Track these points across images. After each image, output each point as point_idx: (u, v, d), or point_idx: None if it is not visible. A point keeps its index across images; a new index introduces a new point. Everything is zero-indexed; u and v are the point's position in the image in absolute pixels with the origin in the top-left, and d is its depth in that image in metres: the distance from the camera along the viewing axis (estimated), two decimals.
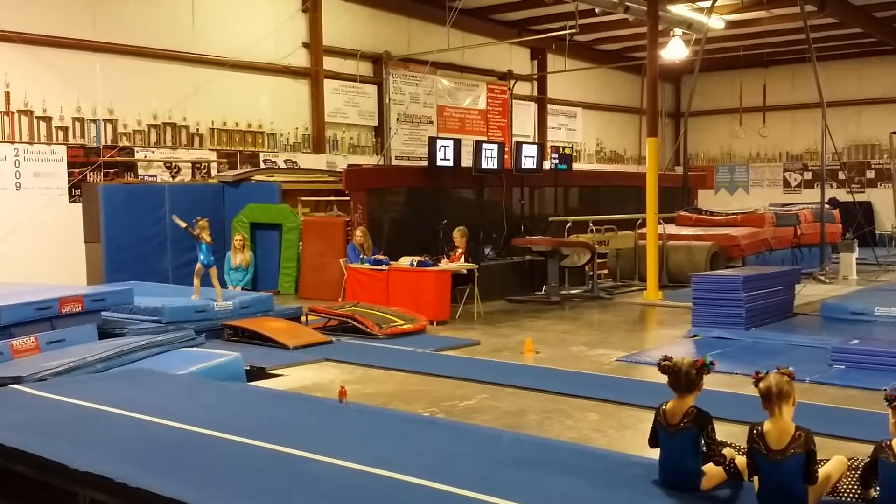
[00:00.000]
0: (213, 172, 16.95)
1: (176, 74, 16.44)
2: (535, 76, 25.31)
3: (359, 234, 13.76)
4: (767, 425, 4.18)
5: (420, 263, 12.62)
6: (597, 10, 19.18)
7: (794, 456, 4.08)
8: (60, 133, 14.93)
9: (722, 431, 4.57)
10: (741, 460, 4.45)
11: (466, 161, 16.42)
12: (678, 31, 20.77)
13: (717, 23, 20.64)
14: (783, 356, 9.11)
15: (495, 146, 16.91)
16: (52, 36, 14.67)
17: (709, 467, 4.43)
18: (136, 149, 15.94)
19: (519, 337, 10.82)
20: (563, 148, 19.82)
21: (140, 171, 15.97)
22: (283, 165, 18.18)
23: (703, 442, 4.42)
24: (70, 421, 5.92)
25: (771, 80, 27.27)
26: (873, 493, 4.17)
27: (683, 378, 4.47)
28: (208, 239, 10.87)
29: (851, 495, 4.32)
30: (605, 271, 16.99)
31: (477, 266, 13.11)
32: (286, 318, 11.21)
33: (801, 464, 4.08)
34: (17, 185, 14.32)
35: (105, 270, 14.04)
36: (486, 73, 23.29)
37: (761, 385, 4.23)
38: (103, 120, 15.44)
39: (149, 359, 8.23)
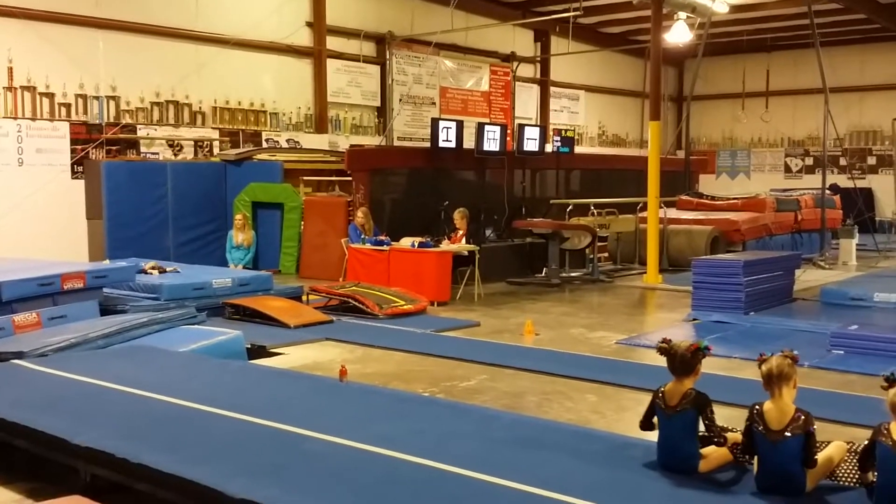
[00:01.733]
0: (216, 151, 16.94)
1: (179, 52, 16.40)
2: (539, 58, 25.23)
3: (360, 214, 13.77)
4: (768, 405, 4.23)
5: (421, 244, 12.65)
6: None
7: (793, 437, 4.12)
8: (63, 109, 14.91)
9: (720, 414, 4.60)
10: (733, 436, 4.49)
11: (468, 143, 16.40)
12: (682, 15, 20.57)
13: (721, 7, 20.46)
14: (782, 341, 9.13)
15: (497, 128, 16.88)
16: (55, 12, 14.61)
17: (708, 450, 4.47)
18: (138, 126, 15.92)
19: (519, 319, 10.86)
20: (566, 131, 19.80)
21: (142, 149, 15.96)
22: (285, 145, 18.16)
23: (702, 424, 4.45)
24: (71, 397, 5.95)
25: (774, 66, 27.20)
26: (871, 477, 4.20)
27: (679, 361, 4.51)
28: None
29: (850, 479, 4.35)
30: (606, 254, 17.02)
31: (478, 248, 13.12)
32: (287, 298, 11.23)
33: (799, 445, 4.12)
34: (20, 161, 14.31)
35: (107, 247, 14.04)
36: (489, 54, 23.23)
37: (763, 367, 4.28)
38: (106, 97, 15.41)
39: (150, 336, 8.26)
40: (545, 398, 7.11)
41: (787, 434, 4.12)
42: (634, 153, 26.28)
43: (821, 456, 4.26)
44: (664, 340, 4.62)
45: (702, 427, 4.48)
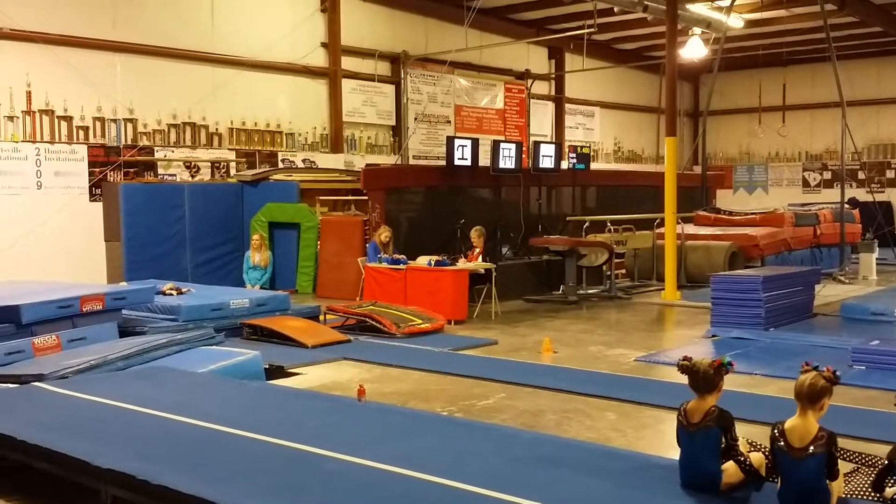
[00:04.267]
0: (232, 172, 17.04)
1: (195, 74, 16.53)
2: (553, 75, 25.28)
3: (386, 232, 13.69)
4: (790, 423, 4.17)
5: (438, 263, 12.64)
6: (615, 10, 19.15)
7: (814, 455, 4.06)
8: (81, 132, 15.04)
9: (741, 432, 4.55)
10: (756, 457, 4.44)
11: (484, 161, 16.41)
12: (697, 30, 20.70)
13: (736, 22, 20.57)
14: (803, 357, 9.02)
15: (513, 146, 16.90)
16: (73, 36, 14.78)
17: (727, 466, 4.41)
18: (155, 148, 16.04)
19: (536, 336, 10.82)
20: (581, 147, 19.81)
21: (160, 171, 16.07)
22: (301, 165, 18.23)
23: (724, 441, 4.40)
24: (92, 418, 5.97)
25: (790, 80, 27.11)
26: (889, 489, 4.16)
27: (701, 378, 4.46)
28: None
29: (862, 493, 4.30)
30: (623, 271, 16.94)
31: (494, 265, 13.12)
32: (304, 317, 11.24)
33: (821, 463, 4.07)
34: (39, 184, 14.44)
35: (125, 269, 14.12)
36: (504, 72, 23.29)
37: (797, 379, 4.22)
38: (123, 119, 15.54)
39: (169, 357, 8.26)
40: (564, 416, 7.08)
41: (810, 453, 4.07)
42: (650, 169, 26.23)
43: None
44: (685, 358, 4.58)
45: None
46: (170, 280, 11.85)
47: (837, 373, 4.22)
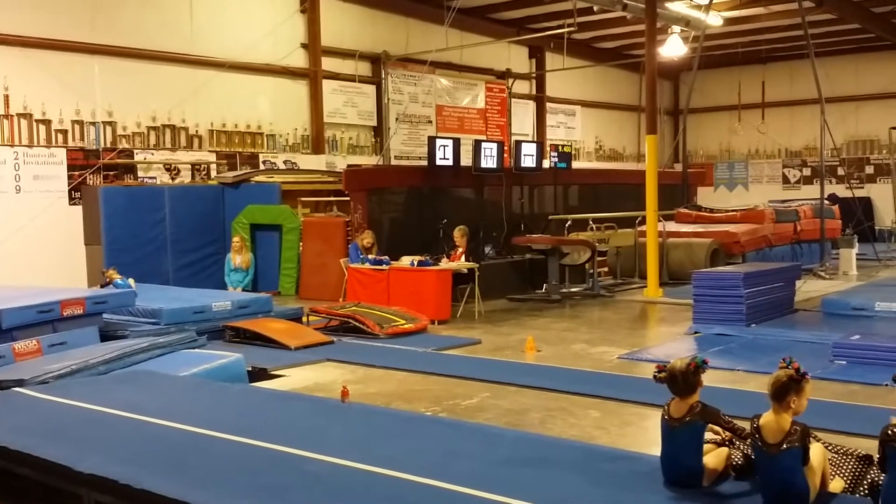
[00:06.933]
0: (213, 174, 16.96)
1: (175, 76, 16.44)
2: (534, 75, 25.32)
3: (368, 237, 13.66)
4: (765, 418, 4.18)
5: (420, 263, 12.63)
6: (595, 8, 19.19)
7: (788, 451, 4.07)
8: (60, 136, 14.94)
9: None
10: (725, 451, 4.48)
11: (466, 160, 16.42)
12: (676, 29, 20.79)
13: (715, 20, 20.66)
14: (784, 352, 9.09)
15: (494, 145, 16.90)
16: (51, 39, 14.67)
17: (707, 458, 4.43)
18: (135, 151, 15.95)
19: (520, 335, 10.83)
20: (563, 146, 19.82)
21: (140, 173, 15.98)
22: (282, 166, 18.18)
23: (712, 433, 4.42)
24: (73, 423, 5.93)
25: (769, 77, 27.28)
26: (874, 477, 4.20)
27: (681, 381, 4.49)
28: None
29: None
30: (606, 269, 17.00)
31: (477, 265, 13.12)
32: (287, 319, 11.21)
33: (797, 458, 4.07)
34: (17, 188, 14.33)
35: None
36: (485, 72, 23.30)
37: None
38: (102, 122, 15.44)
39: (151, 360, 8.24)
40: (548, 415, 7.09)
41: (784, 447, 4.07)
42: (632, 167, 26.35)
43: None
44: (659, 370, 4.61)
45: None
46: (152, 283, 11.79)
47: (802, 370, 4.20)
